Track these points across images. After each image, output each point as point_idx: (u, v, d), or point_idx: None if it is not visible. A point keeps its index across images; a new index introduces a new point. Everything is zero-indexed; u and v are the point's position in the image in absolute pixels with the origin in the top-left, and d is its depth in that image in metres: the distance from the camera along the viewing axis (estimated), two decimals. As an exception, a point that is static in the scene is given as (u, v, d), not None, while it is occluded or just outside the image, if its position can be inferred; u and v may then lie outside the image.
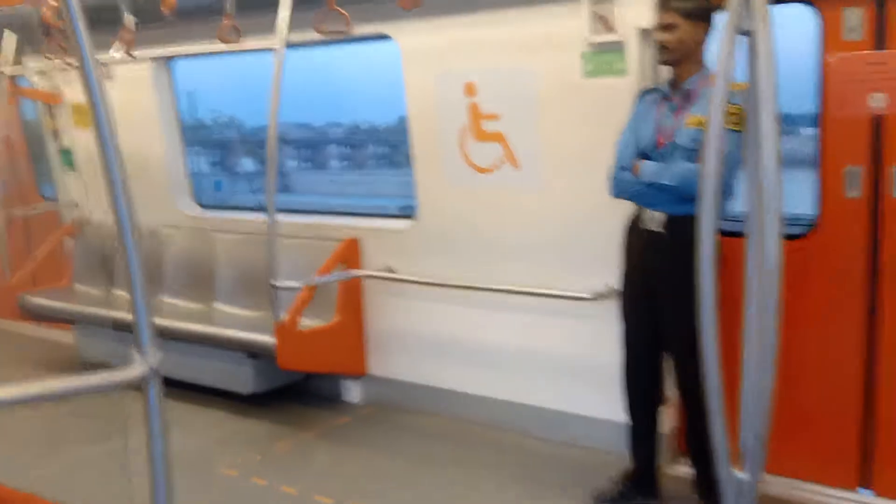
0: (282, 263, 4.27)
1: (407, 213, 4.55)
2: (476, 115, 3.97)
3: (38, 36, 5.44)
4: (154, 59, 5.14)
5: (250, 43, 4.28)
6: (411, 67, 4.14)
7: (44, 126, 6.02)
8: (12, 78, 5.93)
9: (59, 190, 6.12)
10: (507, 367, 4.09)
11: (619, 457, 3.48)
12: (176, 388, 4.93)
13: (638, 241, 3.00)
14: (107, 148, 1.53)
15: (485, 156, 3.99)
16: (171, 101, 5.35)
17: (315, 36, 3.97)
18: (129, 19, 4.52)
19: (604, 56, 3.39)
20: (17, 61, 5.65)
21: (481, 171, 4.02)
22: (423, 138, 4.24)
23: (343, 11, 3.81)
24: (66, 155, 5.97)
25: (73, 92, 5.69)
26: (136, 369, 1.64)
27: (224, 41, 4.16)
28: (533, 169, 3.80)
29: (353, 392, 4.70)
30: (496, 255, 4.02)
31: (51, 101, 5.85)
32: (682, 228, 2.72)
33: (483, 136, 3.97)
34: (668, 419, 3.49)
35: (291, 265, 4.62)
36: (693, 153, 2.77)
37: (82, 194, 6.01)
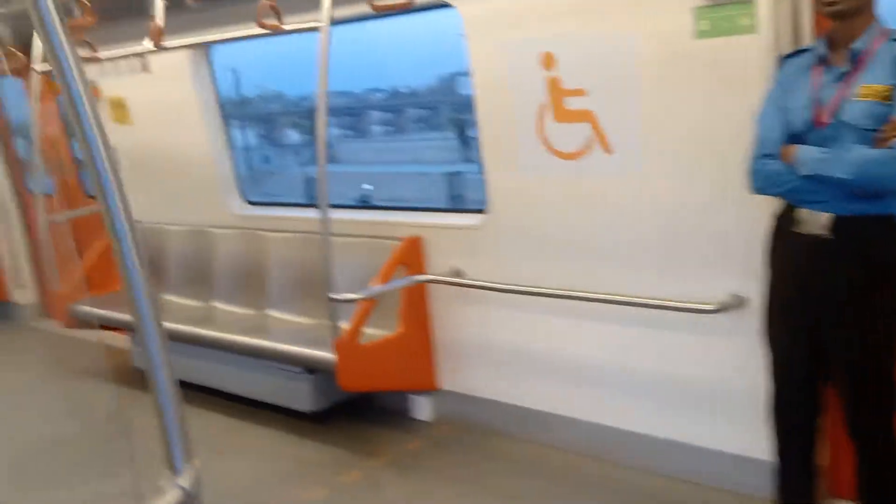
0: (337, 266, 3.80)
1: (456, 194, 3.99)
2: (557, 91, 3.35)
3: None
4: (190, 47, 4.66)
5: (293, 23, 3.74)
6: (476, 38, 3.55)
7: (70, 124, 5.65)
8: (48, 74, 5.57)
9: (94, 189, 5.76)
10: (604, 387, 3.52)
11: (735, 496, 3.01)
12: (230, 402, 4.64)
13: (792, 248, 2.35)
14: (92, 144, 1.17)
15: (569, 139, 3.37)
16: (212, 92, 4.87)
17: (361, 10, 3.42)
18: (158, 5, 4.05)
19: (723, 10, 2.72)
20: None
21: (564, 156, 3.41)
22: (493, 120, 3.65)
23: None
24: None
25: (110, 86, 5.29)
26: (169, 497, 1.22)
27: (262, 25, 3.64)
28: (630, 153, 3.18)
29: (423, 408, 4.20)
30: (587, 256, 3.43)
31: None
32: (855, 231, 2.16)
33: (566, 116, 3.36)
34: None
35: (348, 267, 4.15)
36: (868, 133, 2.11)
37: (130, 194, 5.63)
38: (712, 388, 3.15)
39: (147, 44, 4.26)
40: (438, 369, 4.14)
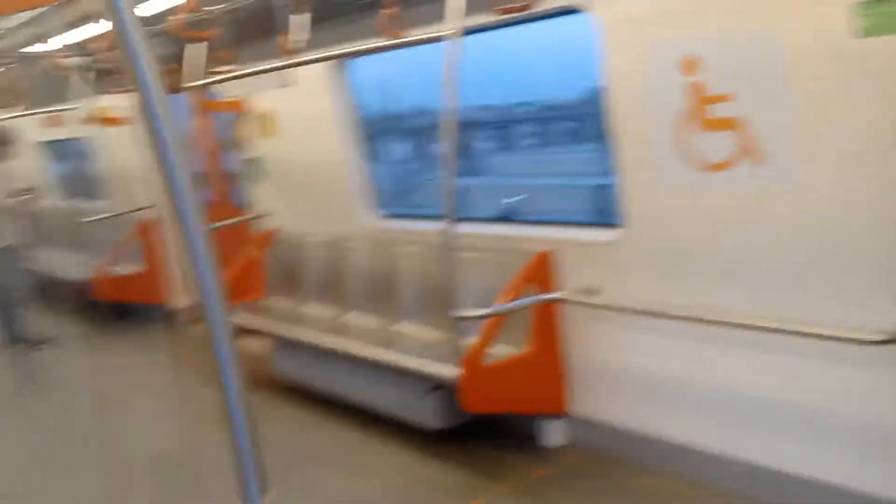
0: (465, 280, 3.69)
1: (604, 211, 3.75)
2: (700, 97, 3.06)
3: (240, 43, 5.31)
4: (330, 59, 4.73)
5: (420, 33, 3.68)
6: (611, 43, 3.32)
7: (234, 136, 5.93)
8: (204, 90, 5.89)
9: (251, 200, 6.01)
10: (752, 421, 3.17)
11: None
12: (357, 414, 4.66)
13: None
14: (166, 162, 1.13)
15: (713, 148, 3.07)
16: (349, 105, 4.93)
17: (488, 20, 3.29)
18: (294, 21, 4.13)
19: (889, 6, 2.36)
20: (208, 73, 5.54)
21: (708, 168, 3.11)
22: (629, 130, 3.41)
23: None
24: (256, 165, 5.82)
25: (263, 101, 5.50)
26: None
27: (383, 34, 3.61)
28: (785, 164, 2.84)
29: (552, 433, 3.99)
30: (733, 277, 3.11)
31: (235, 111, 5.71)
32: None
33: (711, 124, 3.06)
34: None
35: (476, 282, 4.05)
36: None
37: (272, 204, 5.84)
38: (878, 427, 2.74)
39: (284, 58, 4.36)
40: (569, 393, 3.93)
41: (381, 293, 4.80)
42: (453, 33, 3.27)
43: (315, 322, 5.04)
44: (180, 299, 7.21)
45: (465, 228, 4.37)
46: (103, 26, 5.13)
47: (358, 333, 4.67)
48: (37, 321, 7.82)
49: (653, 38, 3.16)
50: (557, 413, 3.93)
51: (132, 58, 1.06)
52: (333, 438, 4.44)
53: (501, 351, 3.83)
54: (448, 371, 3.68)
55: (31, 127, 9.43)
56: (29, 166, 10.02)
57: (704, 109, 3.07)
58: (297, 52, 4.13)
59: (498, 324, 3.72)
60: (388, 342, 4.45)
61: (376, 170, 5.11)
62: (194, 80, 5.18)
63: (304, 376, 4.99)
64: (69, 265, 7.93)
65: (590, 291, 3.69)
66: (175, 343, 6.68)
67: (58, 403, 5.40)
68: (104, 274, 7.12)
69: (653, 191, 3.38)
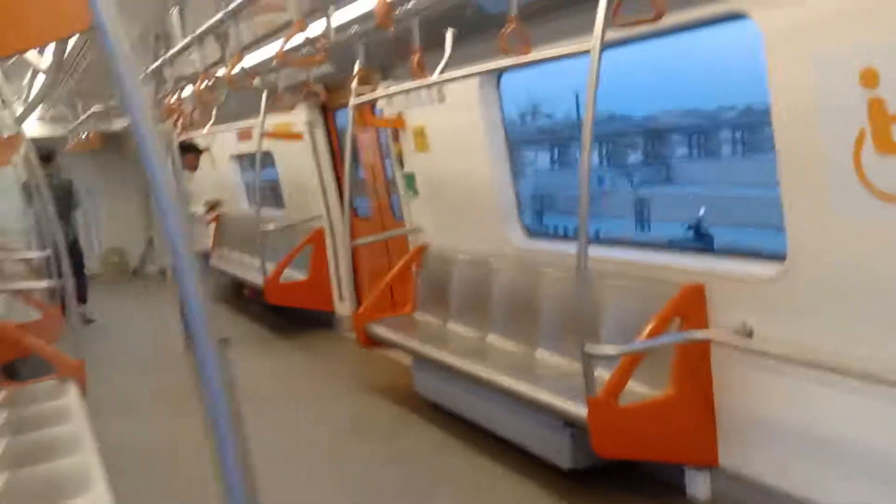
0: (605, 310, 3.41)
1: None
2: (881, 115, 2.59)
3: (392, 61, 5.38)
4: (480, 74, 4.63)
5: (561, 48, 3.46)
6: (777, 52, 2.92)
7: (392, 151, 6.01)
8: (370, 105, 6.03)
9: (406, 215, 6.05)
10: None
11: None
12: (491, 438, 4.48)
13: None
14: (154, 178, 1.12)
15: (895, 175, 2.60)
16: (498, 120, 4.80)
17: (635, 32, 3.00)
18: (448, 39, 4.05)
19: None
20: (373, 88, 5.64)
21: (889, 198, 2.63)
22: (795, 149, 2.98)
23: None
24: (410, 180, 5.86)
25: (416, 116, 5.52)
26: None
27: (506, 50, 3.43)
28: None
29: (699, 484, 3.59)
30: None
31: (395, 126, 5.77)
32: None
33: (893, 148, 2.58)
34: None
35: (617, 312, 3.75)
36: None
37: (425, 219, 5.84)
38: None
39: (435, 74, 4.30)
40: (718, 443, 3.51)
41: (523, 317, 4.61)
42: (595, 47, 3.04)
43: (456, 342, 4.95)
44: (341, 307, 7.45)
45: (610, 253, 4.10)
46: (276, 48, 5.36)
47: (496, 358, 4.51)
48: (218, 321, 8.44)
49: (825, 47, 2.73)
50: (705, 463, 3.53)
51: (120, 80, 1.02)
52: (465, 462, 4.32)
53: (640, 391, 3.50)
54: (580, 409, 3.42)
55: (227, 141, 10.26)
56: (224, 176, 10.89)
57: (886, 129, 2.59)
58: (425, 70, 4.04)
59: (637, 361, 3.40)
60: (525, 370, 4.25)
61: (523, 185, 4.93)
62: (354, 97, 5.30)
63: (441, 395, 4.92)
64: (250, 269, 8.48)
65: (744, 332, 3.28)
66: (334, 350, 6.89)
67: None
68: (276, 279, 7.51)
69: (821, 221, 2.93)
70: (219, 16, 4.06)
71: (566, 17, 3.64)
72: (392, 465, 4.37)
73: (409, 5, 3.84)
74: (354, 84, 5.17)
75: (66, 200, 9.27)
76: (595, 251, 3.77)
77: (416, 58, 3.97)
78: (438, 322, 5.40)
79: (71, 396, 4.14)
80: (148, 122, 1.05)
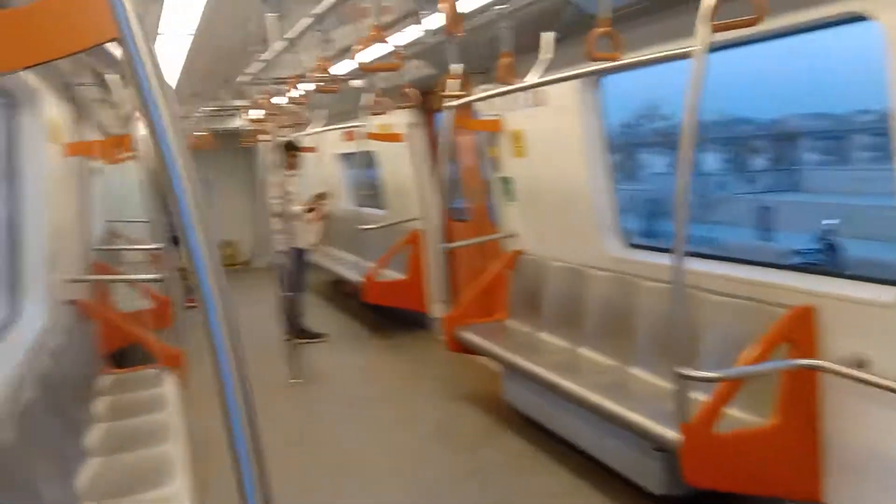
0: (705, 329, 3.19)
1: None
2: None
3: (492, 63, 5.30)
4: (579, 78, 4.47)
5: (663, 52, 3.26)
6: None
7: (488, 155, 5.92)
8: (469, 108, 5.97)
9: (501, 220, 5.95)
10: None
11: None
12: (579, 455, 4.32)
13: None
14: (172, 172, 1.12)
15: None
16: (598, 125, 4.62)
17: (740, 34, 2.78)
18: (545, 40, 3.92)
19: None
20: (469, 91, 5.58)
21: None
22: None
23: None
24: (506, 184, 5.75)
25: (514, 120, 5.41)
26: None
27: (592, 58, 3.26)
28: None
29: (801, 523, 3.32)
30: None
31: (492, 130, 5.68)
32: None
33: None
34: None
35: (717, 333, 3.55)
36: None
37: (520, 225, 5.72)
38: None
39: (530, 77, 4.18)
40: (825, 479, 3.22)
41: (618, 331, 4.42)
42: (700, 50, 2.84)
43: (547, 353, 4.81)
44: (436, 309, 7.43)
45: (713, 268, 3.85)
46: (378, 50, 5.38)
47: (588, 373, 4.34)
48: (317, 317, 8.63)
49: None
50: (807, 498, 3.25)
51: (141, 82, 0.99)
52: (549, 478, 4.18)
53: (739, 417, 3.27)
54: (671, 434, 3.22)
55: (332, 141, 10.48)
56: (329, 175, 11.13)
57: None
58: (514, 74, 3.93)
59: (737, 386, 3.17)
60: (617, 388, 4.05)
61: (639, 189, 4.72)
62: (453, 100, 5.24)
63: (529, 406, 4.79)
64: (350, 267, 8.62)
65: (860, 362, 2.99)
66: (426, 352, 6.88)
67: (312, 397, 5.83)
68: (373, 278, 7.58)
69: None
70: (305, 22, 4.12)
71: (670, 17, 3.45)
72: (473, 475, 4.29)
73: (504, 7, 3.75)
74: (449, 86, 5.15)
75: None
76: (697, 265, 3.56)
77: (504, 62, 3.87)
78: (530, 330, 5.27)
79: (168, 385, 4.29)
80: (172, 128, 1.02)
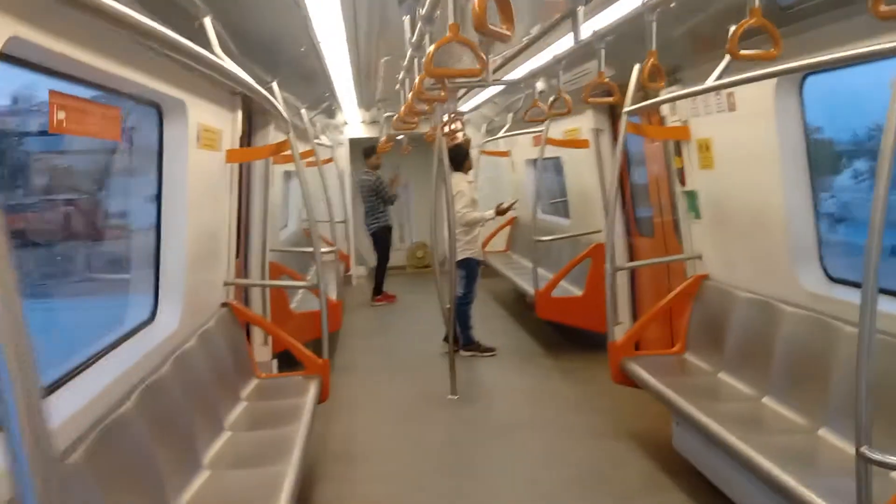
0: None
1: None
2: None
3: (680, 62, 4.70)
4: (778, 77, 3.75)
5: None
6: None
7: (674, 165, 5.26)
8: (656, 112, 5.38)
9: (685, 239, 5.27)
10: None
11: None
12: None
13: None
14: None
15: None
16: (798, 134, 3.86)
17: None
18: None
19: None
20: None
21: None
22: None
23: None
24: (692, 199, 5.07)
25: (702, 127, 4.74)
26: None
27: (736, 53, 2.60)
28: None
29: None
30: None
31: (677, 138, 5.03)
32: None
33: None
34: None
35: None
36: None
37: (706, 246, 5.02)
38: None
39: (713, 78, 3.56)
40: None
41: (810, 382, 3.65)
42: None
43: (726, 400, 4.12)
44: (617, 332, 6.82)
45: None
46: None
47: (771, 430, 3.63)
48: (492, 329, 8.36)
49: None
50: None
51: None
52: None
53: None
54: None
55: (523, 146, 10.18)
56: (519, 181, 10.84)
57: None
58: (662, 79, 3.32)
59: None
60: (803, 457, 3.33)
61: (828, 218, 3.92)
62: (634, 103, 4.69)
63: (700, 459, 4.12)
64: (529, 278, 8.25)
65: None
66: (597, 379, 6.32)
67: (462, 417, 5.54)
68: (548, 292, 7.16)
69: None
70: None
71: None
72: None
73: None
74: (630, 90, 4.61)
75: (373, 196, 9.99)
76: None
77: (648, 64, 3.33)
78: (709, 369, 4.58)
79: (308, 395, 4.20)
80: None
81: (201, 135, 3.74)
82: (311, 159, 6.74)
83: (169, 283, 3.48)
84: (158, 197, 3.46)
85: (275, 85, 4.51)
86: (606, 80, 4.59)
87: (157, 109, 3.44)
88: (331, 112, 9.12)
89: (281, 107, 4.49)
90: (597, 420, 5.32)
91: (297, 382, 4.46)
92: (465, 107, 9.80)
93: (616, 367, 4.88)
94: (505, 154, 11.54)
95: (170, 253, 3.47)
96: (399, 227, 12.77)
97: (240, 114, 4.67)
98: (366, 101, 9.84)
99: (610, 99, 4.57)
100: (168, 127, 3.46)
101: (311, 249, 8.23)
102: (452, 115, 7.68)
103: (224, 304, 4.49)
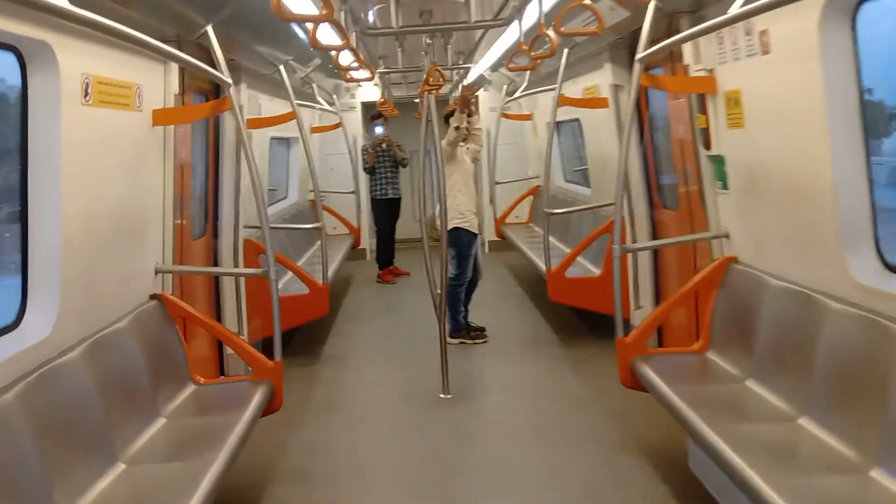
0: None
1: None
2: None
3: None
4: (825, 7, 2.90)
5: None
6: None
7: (698, 125, 4.40)
8: (675, 61, 4.53)
9: (711, 213, 4.42)
10: None
11: None
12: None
13: None
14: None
15: None
16: (851, 82, 2.99)
17: None
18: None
19: None
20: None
21: None
22: None
23: None
24: (719, 166, 4.22)
25: (730, 76, 3.88)
26: None
27: None
28: None
29: None
30: None
31: (702, 91, 4.17)
32: None
33: None
34: None
35: None
36: None
37: (734, 223, 4.17)
38: None
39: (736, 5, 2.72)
40: None
41: (861, 400, 2.83)
42: None
43: (754, 419, 3.33)
44: (637, 316, 6.01)
45: None
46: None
47: (811, 467, 2.85)
48: (504, 309, 7.62)
49: None
50: None
51: None
52: None
53: None
54: None
55: (544, 108, 9.27)
56: (541, 147, 9.96)
57: None
58: None
59: None
60: (854, 489, 2.55)
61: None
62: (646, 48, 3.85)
63: (718, 488, 3.34)
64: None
65: None
66: (613, 373, 5.52)
67: (451, 422, 4.83)
68: (561, 272, 6.37)
69: None
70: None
71: None
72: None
73: None
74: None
75: (382, 161, 9.31)
76: None
77: None
78: (736, 373, 3.77)
79: (247, 408, 3.53)
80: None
81: (92, 89, 3.02)
82: (289, 124, 6.01)
83: (39, 277, 2.79)
84: (23, 171, 2.77)
85: (209, 29, 3.76)
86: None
87: (18, 55, 2.73)
88: (329, 70, 8.32)
89: (221, 58, 3.76)
90: (605, 426, 4.56)
91: (241, 389, 3.80)
92: (483, 65, 8.96)
93: (626, 368, 4.09)
94: (527, 117, 10.67)
95: (38, 239, 2.77)
96: (411, 197, 11.86)
97: (175, 66, 3.95)
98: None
99: (593, 29, 3.81)
100: (32, 78, 2.75)
101: (292, 227, 7.60)
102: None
103: (154, 297, 3.82)
